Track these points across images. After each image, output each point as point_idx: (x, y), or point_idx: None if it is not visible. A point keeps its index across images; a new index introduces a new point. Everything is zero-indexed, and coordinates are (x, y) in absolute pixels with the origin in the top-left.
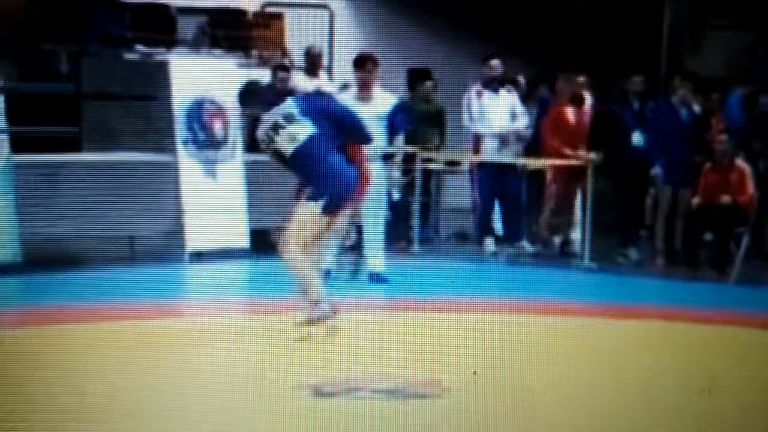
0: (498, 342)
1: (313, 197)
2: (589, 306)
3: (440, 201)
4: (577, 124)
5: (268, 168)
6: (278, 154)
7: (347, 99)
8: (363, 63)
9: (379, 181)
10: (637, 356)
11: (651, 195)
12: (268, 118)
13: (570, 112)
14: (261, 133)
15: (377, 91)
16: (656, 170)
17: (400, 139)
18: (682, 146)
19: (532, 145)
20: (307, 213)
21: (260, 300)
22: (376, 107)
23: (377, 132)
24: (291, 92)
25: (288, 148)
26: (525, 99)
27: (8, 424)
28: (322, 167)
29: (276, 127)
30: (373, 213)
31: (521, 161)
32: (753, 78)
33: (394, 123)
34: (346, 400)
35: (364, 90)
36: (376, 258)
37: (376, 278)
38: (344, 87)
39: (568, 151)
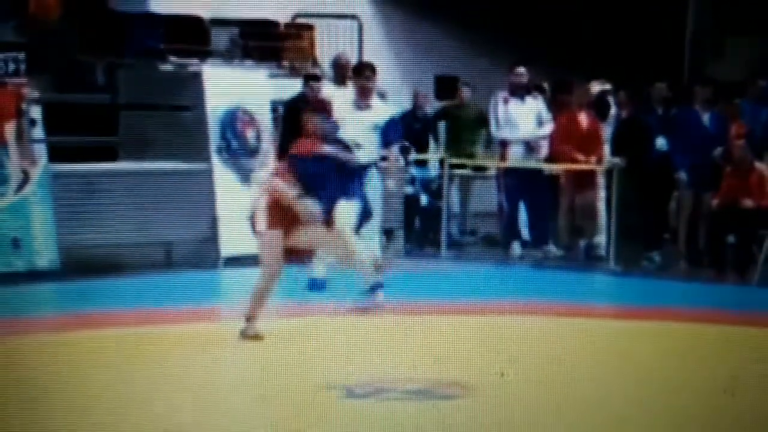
0: (524, 344)
1: None
2: (613, 308)
3: (468, 206)
4: (589, 130)
5: None
6: None
7: (345, 106)
8: (362, 71)
9: (373, 187)
10: (661, 358)
11: (674, 198)
12: None
13: (583, 119)
14: None
15: (375, 100)
16: (681, 174)
17: (394, 150)
18: (704, 151)
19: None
20: None
21: (293, 304)
22: (374, 115)
23: (372, 140)
24: (323, 102)
25: None
26: (550, 105)
27: (47, 427)
28: None
29: None
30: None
31: (542, 166)
32: None
33: (387, 134)
34: (377, 401)
35: (363, 97)
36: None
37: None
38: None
39: (579, 157)
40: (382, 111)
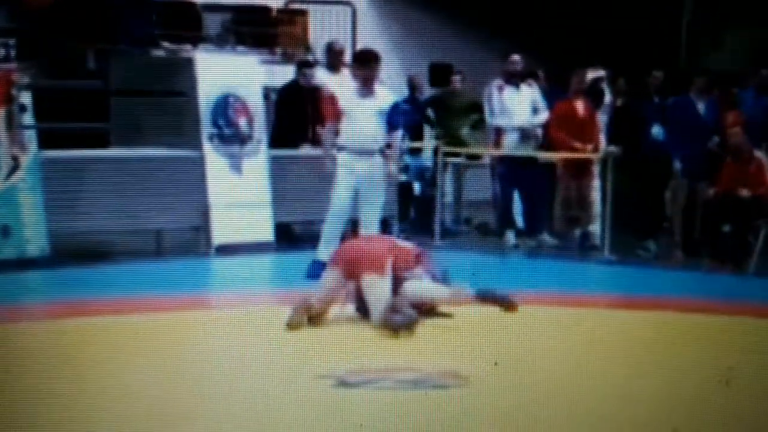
0: (518, 334)
1: None
2: (608, 298)
3: (462, 194)
4: (586, 118)
5: (291, 163)
6: None
7: (349, 93)
8: (366, 59)
9: (375, 174)
10: (655, 347)
11: (670, 188)
12: None
13: (579, 106)
14: None
15: (378, 87)
16: (676, 164)
17: (397, 136)
18: (701, 140)
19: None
20: None
21: (284, 292)
22: (378, 102)
23: (377, 127)
24: (316, 89)
25: None
26: (545, 93)
27: (37, 416)
28: None
29: None
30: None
31: (537, 154)
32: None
33: (391, 120)
34: (370, 390)
35: (367, 85)
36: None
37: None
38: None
39: (576, 144)
40: (385, 97)
